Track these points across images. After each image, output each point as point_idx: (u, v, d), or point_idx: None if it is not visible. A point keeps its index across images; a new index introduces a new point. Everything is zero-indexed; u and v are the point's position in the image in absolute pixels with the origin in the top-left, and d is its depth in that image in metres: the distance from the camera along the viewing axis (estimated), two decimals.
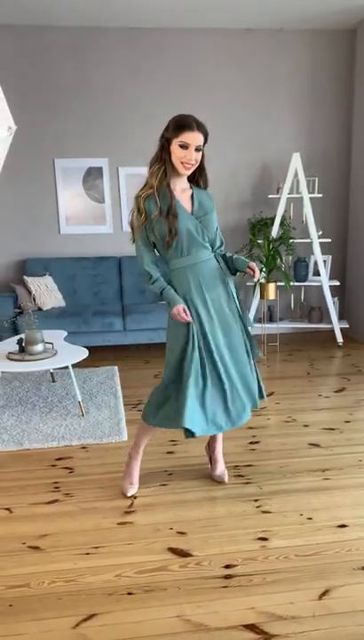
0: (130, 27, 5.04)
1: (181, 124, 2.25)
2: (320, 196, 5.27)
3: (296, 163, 4.99)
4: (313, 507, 2.41)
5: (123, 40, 5.10)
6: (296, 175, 5.04)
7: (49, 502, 2.51)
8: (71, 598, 1.87)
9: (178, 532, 2.24)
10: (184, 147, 2.25)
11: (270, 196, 5.34)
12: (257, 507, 2.42)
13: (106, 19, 4.85)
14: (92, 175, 5.32)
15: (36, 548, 2.17)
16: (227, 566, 2.02)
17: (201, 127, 2.27)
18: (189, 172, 2.33)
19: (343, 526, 2.26)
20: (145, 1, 4.48)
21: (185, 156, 2.26)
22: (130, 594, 1.89)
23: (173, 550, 2.12)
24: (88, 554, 2.12)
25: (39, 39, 4.99)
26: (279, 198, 5.12)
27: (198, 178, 2.42)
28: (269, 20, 5.00)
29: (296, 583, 1.92)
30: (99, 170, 5.32)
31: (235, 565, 2.02)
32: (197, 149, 2.27)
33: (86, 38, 5.05)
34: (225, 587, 1.91)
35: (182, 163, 2.28)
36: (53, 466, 2.87)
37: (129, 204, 5.39)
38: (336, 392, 3.95)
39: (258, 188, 5.51)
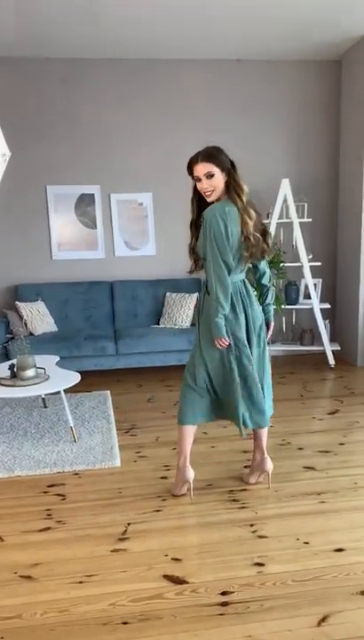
0: (120, 58, 5.16)
1: (188, 163, 2.51)
2: (310, 220, 5.35)
3: (285, 188, 5.07)
4: (309, 531, 2.39)
5: (114, 71, 5.21)
6: (285, 200, 5.13)
7: (41, 530, 2.46)
8: (65, 629, 1.83)
9: (173, 559, 2.20)
10: (197, 180, 2.49)
11: None
12: (253, 531, 2.40)
13: (97, 50, 4.97)
14: (85, 202, 5.37)
15: (28, 577, 2.12)
16: (224, 593, 1.98)
17: (204, 157, 2.45)
18: (212, 198, 2.48)
19: (340, 550, 2.23)
20: (135, 33, 4.60)
21: (201, 188, 2.49)
22: (125, 623, 1.85)
23: (168, 577, 2.09)
24: (81, 582, 2.07)
25: (32, 70, 5.09)
26: (269, 223, 5.19)
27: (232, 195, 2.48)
28: (258, 52, 5.15)
29: (294, 610, 1.88)
30: (91, 196, 5.37)
31: (232, 592, 1.99)
32: (208, 176, 2.44)
33: (78, 69, 5.16)
34: (221, 614, 1.87)
35: (204, 194, 2.49)
36: (45, 493, 2.83)
37: (120, 229, 5.45)
38: (329, 414, 3.95)
39: None
